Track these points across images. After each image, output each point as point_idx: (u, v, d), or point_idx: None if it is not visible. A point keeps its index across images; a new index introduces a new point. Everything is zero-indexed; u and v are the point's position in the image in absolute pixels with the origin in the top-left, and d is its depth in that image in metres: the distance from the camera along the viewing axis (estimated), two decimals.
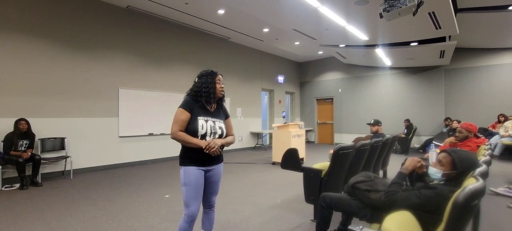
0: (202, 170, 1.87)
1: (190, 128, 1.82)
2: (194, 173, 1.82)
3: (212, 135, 1.87)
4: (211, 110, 1.94)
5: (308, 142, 10.86)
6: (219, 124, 1.93)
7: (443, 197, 1.47)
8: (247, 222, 2.88)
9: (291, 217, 3.03)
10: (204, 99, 1.90)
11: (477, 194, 1.17)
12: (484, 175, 1.54)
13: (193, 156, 1.83)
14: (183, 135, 1.80)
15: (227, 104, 8.14)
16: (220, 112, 2.00)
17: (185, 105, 1.86)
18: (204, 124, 1.84)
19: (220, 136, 1.93)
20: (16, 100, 4.66)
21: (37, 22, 4.90)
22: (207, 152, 1.77)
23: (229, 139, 2.00)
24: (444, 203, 1.38)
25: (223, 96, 2.02)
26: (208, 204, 2.03)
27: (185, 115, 1.83)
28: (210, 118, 1.89)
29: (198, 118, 1.84)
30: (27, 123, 4.50)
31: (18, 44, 4.70)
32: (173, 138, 1.83)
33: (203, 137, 1.84)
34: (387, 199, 1.67)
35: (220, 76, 1.98)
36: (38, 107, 4.88)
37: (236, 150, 8.67)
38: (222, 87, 1.96)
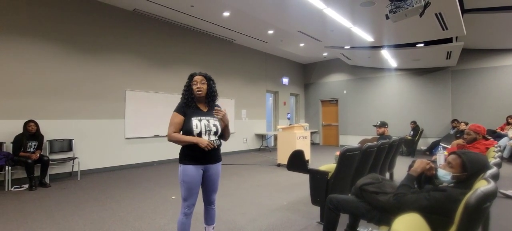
0: (200, 168, 1.97)
1: (185, 129, 1.94)
2: (191, 171, 1.93)
3: (207, 133, 1.95)
4: (204, 110, 2.03)
5: (313, 144, 10.81)
6: (214, 121, 2.00)
7: (453, 199, 1.46)
8: (253, 224, 2.88)
9: (298, 219, 3.02)
10: (188, 101, 1.99)
11: (489, 196, 1.16)
12: (495, 177, 1.52)
13: (191, 154, 1.93)
14: (177, 135, 1.93)
15: (231, 106, 8.30)
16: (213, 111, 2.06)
17: (178, 109, 1.99)
18: (198, 123, 1.94)
19: (215, 133, 2.00)
20: (25, 102, 4.74)
21: (45, 26, 4.99)
22: (206, 149, 1.87)
23: (226, 135, 2.10)
24: (454, 205, 1.37)
25: (211, 95, 2.05)
26: (208, 201, 2.14)
27: (179, 118, 1.96)
28: (203, 117, 1.98)
29: (192, 118, 1.94)
30: (36, 124, 4.57)
31: (27, 47, 4.78)
32: (169, 140, 1.96)
33: (199, 135, 1.93)
34: (396, 201, 1.66)
35: (200, 77, 2.00)
36: (46, 109, 4.95)
37: (241, 151, 8.68)
38: (199, 87, 1.98)
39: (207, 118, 1.99)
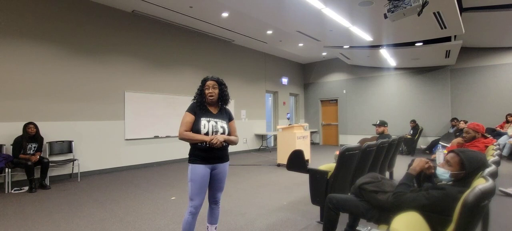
0: (208, 167, 2.05)
1: (194, 128, 2.04)
2: (200, 170, 2.00)
3: (214, 133, 2.05)
4: (214, 112, 2.13)
5: (312, 144, 10.82)
6: (221, 123, 2.10)
7: (451, 197, 1.46)
8: (253, 224, 2.88)
9: (297, 219, 3.03)
10: (199, 103, 2.11)
11: (487, 194, 1.16)
12: (494, 175, 1.52)
13: (200, 154, 2.02)
14: (188, 134, 2.02)
15: (231, 106, 8.28)
16: (224, 114, 2.18)
17: (190, 109, 2.10)
18: (206, 123, 2.05)
19: (222, 134, 2.08)
20: (25, 104, 4.74)
21: (44, 27, 4.99)
22: (210, 145, 1.96)
23: (232, 137, 2.15)
24: (453, 203, 1.37)
25: (223, 99, 2.17)
26: (213, 200, 2.21)
27: (190, 117, 2.06)
28: (212, 119, 2.08)
29: (201, 119, 2.05)
30: (36, 126, 4.57)
31: (26, 48, 4.78)
32: (181, 138, 2.05)
33: (206, 135, 2.02)
34: (395, 200, 1.66)
35: (212, 82, 2.12)
36: (46, 111, 4.96)
37: (241, 152, 8.68)
38: (211, 92, 2.09)
39: (216, 120, 2.09)
